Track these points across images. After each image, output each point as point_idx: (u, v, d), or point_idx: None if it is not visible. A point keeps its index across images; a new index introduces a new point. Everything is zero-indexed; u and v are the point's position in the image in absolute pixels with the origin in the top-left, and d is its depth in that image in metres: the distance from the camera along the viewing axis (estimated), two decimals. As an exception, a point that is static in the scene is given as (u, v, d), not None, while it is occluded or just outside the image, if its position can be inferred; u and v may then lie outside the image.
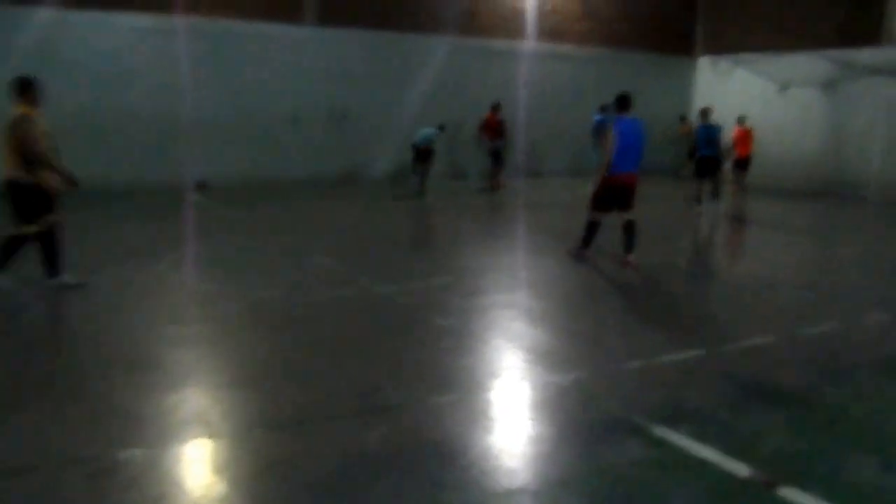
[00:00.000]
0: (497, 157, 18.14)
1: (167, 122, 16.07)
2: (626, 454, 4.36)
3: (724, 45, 22.75)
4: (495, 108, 17.97)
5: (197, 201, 14.68)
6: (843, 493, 3.97)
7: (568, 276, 9.30)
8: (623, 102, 9.34)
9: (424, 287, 8.40)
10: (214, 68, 16.63)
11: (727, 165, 17.75)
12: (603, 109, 17.29)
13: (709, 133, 14.98)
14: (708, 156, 14.95)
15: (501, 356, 6.31)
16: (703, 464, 4.26)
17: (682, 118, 22.63)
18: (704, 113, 15.21)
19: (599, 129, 16.70)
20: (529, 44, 20.94)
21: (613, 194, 9.36)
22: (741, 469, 4.17)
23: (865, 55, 18.78)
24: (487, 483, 4.05)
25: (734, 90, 22.24)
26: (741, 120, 17.54)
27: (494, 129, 17.98)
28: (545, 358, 6.10)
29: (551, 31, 21.32)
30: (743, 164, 17.58)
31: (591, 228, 9.55)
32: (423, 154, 16.38)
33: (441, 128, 16.78)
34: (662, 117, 22.92)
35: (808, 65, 19.98)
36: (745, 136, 17.54)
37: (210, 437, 4.52)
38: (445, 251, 10.50)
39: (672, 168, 21.31)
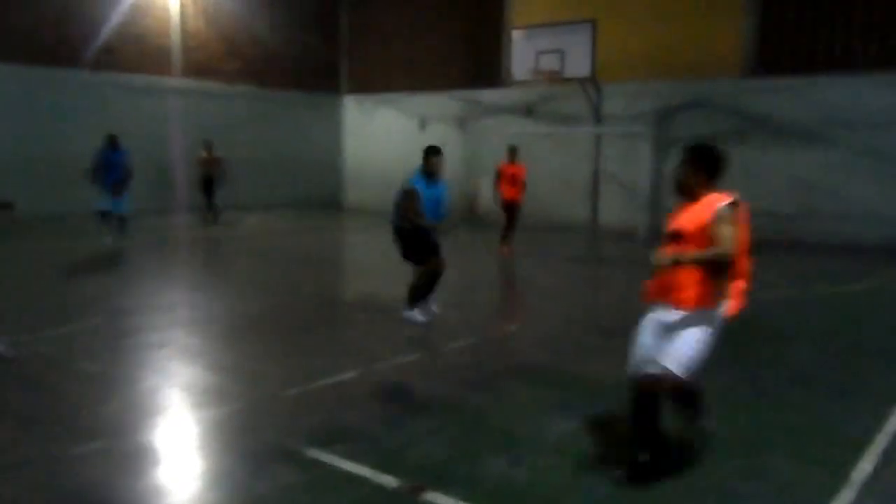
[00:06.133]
0: None
1: None
2: (280, 480, 4.38)
3: (367, 84, 24.15)
4: None
5: None
6: (479, 490, 4.31)
7: (229, 310, 9.16)
8: None
9: (69, 332, 7.77)
10: None
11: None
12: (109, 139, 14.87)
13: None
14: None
15: (154, 397, 6.00)
16: (353, 480, 4.40)
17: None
18: None
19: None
20: (176, 80, 20.57)
21: None
22: (390, 481, 4.37)
23: (488, 95, 21.20)
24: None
25: (380, 127, 23.80)
26: (511, 152, 14.16)
27: None
28: (200, 394, 5.95)
29: (198, 68, 21.21)
30: (508, 208, 14.12)
31: None
32: None
33: None
34: (315, 151, 23.76)
35: (442, 104, 22.10)
36: (510, 174, 14.04)
37: None
38: (92, 292, 9.82)
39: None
